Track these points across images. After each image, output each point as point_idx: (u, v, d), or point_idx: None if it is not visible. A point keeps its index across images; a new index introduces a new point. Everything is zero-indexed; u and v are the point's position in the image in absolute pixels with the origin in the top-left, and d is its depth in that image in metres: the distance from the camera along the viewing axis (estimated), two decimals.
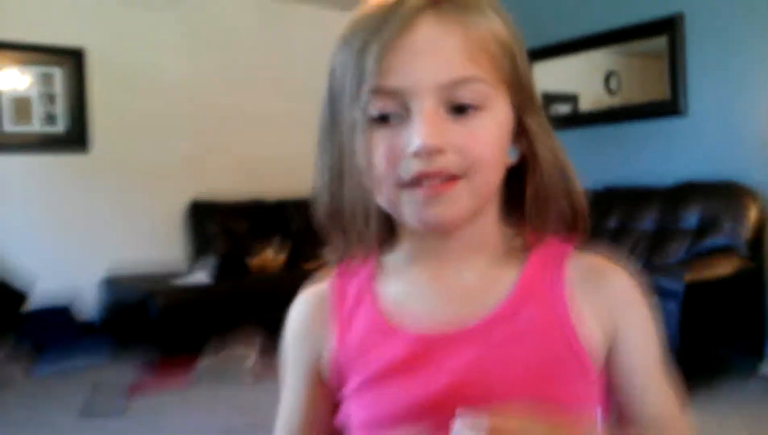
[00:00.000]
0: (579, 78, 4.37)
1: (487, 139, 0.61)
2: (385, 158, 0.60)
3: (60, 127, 4.22)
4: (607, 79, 4.17)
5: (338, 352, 0.68)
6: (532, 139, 0.66)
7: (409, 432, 0.64)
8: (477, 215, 0.64)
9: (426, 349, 0.64)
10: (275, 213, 4.84)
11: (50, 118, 4.19)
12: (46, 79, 4.17)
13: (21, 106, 4.10)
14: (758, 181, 3.37)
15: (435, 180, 0.59)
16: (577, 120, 4.23)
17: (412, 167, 0.59)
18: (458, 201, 0.61)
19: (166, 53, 4.61)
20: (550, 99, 4.44)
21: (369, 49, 0.59)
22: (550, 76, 4.35)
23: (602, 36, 4.06)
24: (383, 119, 0.61)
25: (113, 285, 4.10)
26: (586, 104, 4.30)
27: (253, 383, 3.41)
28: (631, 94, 4.07)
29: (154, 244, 4.53)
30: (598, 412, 0.68)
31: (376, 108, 0.60)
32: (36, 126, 4.15)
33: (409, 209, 0.62)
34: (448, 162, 0.59)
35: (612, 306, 0.67)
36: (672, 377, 0.71)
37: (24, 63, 4.10)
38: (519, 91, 0.64)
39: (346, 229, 0.67)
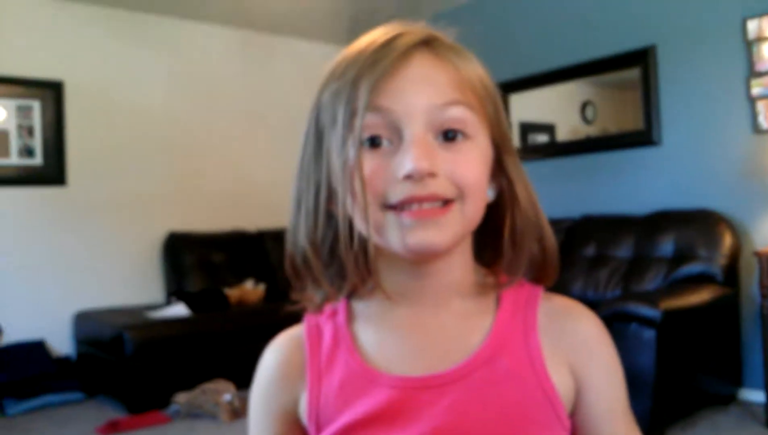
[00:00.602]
0: (556, 108, 4.42)
1: (475, 166, 0.63)
2: (374, 181, 0.61)
3: (38, 160, 4.19)
4: (584, 109, 4.22)
5: (317, 398, 0.67)
6: (511, 178, 0.68)
7: None
8: (456, 251, 0.65)
9: (407, 395, 0.63)
10: (254, 244, 4.81)
11: (28, 151, 4.16)
12: (25, 111, 4.15)
13: None
14: (731, 209, 3.41)
15: (426, 204, 0.60)
16: (554, 149, 4.27)
17: (403, 191, 0.60)
18: (449, 226, 0.61)
19: (146, 85, 4.61)
20: (528, 129, 4.49)
21: (363, 79, 0.60)
22: (529, 107, 4.41)
23: (578, 67, 4.11)
24: (374, 144, 0.61)
25: (88, 319, 4.03)
26: (563, 134, 4.34)
27: (231, 420, 3.35)
28: (607, 123, 4.12)
29: (131, 278, 4.48)
30: None
31: (367, 129, 0.61)
32: (14, 159, 4.12)
33: (394, 233, 0.61)
34: (440, 186, 0.60)
35: (577, 350, 0.67)
36: (635, 423, 0.70)
37: (2, 95, 4.08)
38: (499, 131, 0.67)
39: (326, 261, 0.67)
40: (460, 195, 0.61)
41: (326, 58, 0.65)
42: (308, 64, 5.12)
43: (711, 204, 3.46)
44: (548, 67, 4.26)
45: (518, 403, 0.63)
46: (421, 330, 0.67)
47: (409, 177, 0.59)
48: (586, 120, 4.20)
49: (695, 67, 3.60)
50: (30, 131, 4.16)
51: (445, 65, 0.62)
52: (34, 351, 3.90)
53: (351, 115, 0.60)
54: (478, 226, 0.67)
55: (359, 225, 0.62)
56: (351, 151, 0.61)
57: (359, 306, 0.70)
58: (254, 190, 4.99)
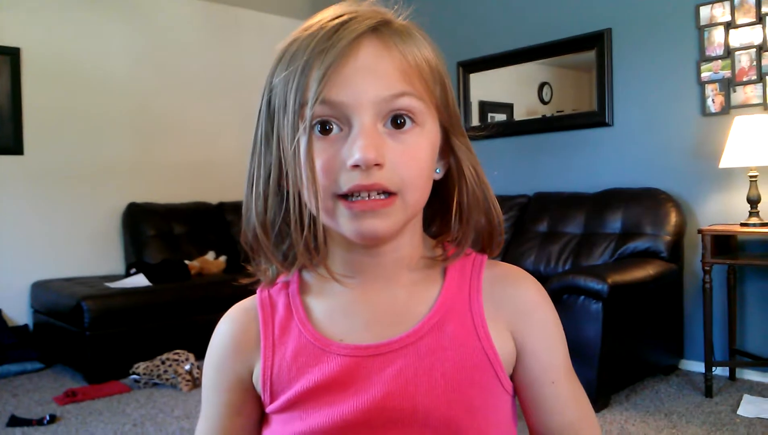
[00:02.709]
0: (514, 88, 4.51)
1: (421, 156, 0.65)
2: (325, 170, 0.63)
3: None
4: (541, 89, 4.31)
5: (271, 367, 0.69)
6: (458, 158, 0.70)
7: None
8: (405, 229, 0.68)
9: (358, 363, 0.67)
10: (215, 216, 4.82)
11: None
12: None
13: None
14: (678, 188, 3.55)
15: (372, 193, 0.62)
16: (512, 128, 4.36)
17: (351, 179, 0.62)
18: (392, 215, 0.64)
19: (106, 54, 4.54)
20: (487, 107, 4.57)
21: (312, 68, 0.62)
22: (488, 87, 4.49)
23: (536, 49, 4.20)
24: (324, 130, 0.63)
25: (46, 289, 4.01)
26: (520, 113, 4.44)
27: (190, 389, 3.39)
28: (563, 104, 4.22)
29: (90, 248, 4.46)
30: (512, 423, 0.72)
31: (317, 116, 0.62)
32: None
33: (344, 220, 0.64)
34: (384, 177, 0.62)
35: (518, 314, 0.71)
36: (578, 383, 0.74)
37: None
38: (447, 114, 0.69)
39: (277, 240, 0.70)
40: (402, 188, 0.64)
41: (289, 31, 0.67)
42: (271, 38, 5.02)
43: (659, 183, 3.60)
44: (507, 48, 4.33)
45: (463, 368, 0.66)
46: (371, 301, 0.70)
47: (356, 166, 0.61)
48: (542, 100, 4.30)
49: (648, 51, 3.71)
50: None
51: (392, 54, 0.63)
52: None
53: (301, 105, 0.62)
54: (428, 201, 0.70)
55: (310, 208, 0.65)
56: (302, 141, 0.63)
57: (311, 278, 0.73)
58: (215, 163, 4.97)
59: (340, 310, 0.70)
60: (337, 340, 0.68)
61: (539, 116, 4.27)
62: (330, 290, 0.71)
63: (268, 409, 0.70)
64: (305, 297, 0.72)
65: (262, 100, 0.68)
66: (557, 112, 4.20)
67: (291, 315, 0.71)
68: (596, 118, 3.92)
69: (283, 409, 0.69)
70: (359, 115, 0.62)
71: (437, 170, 0.71)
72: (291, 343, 0.70)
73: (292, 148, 0.63)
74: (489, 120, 4.57)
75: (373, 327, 0.69)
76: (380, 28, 0.64)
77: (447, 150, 0.71)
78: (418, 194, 0.66)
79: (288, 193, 0.66)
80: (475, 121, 4.56)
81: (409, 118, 0.64)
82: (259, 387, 0.71)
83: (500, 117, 4.54)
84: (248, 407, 0.73)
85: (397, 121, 0.64)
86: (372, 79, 0.62)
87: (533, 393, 0.71)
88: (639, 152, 3.76)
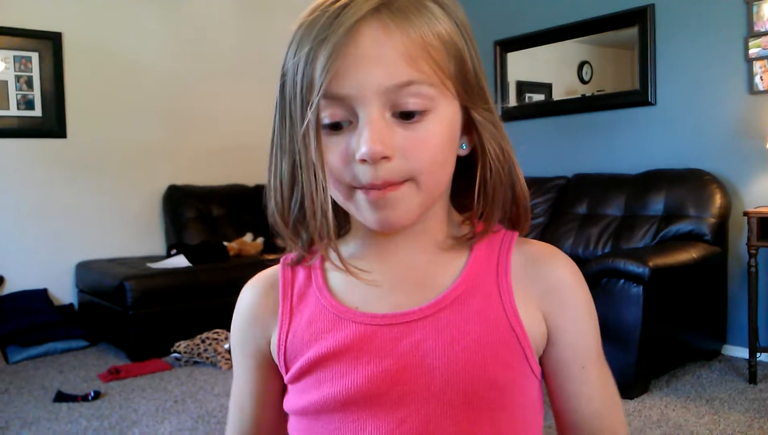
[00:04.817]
0: (553, 68, 4.43)
1: (434, 143, 0.62)
2: (340, 162, 0.62)
3: (37, 112, 4.21)
4: (580, 68, 4.23)
5: (286, 334, 0.69)
6: (480, 133, 0.67)
7: (347, 417, 0.65)
8: (427, 209, 0.66)
9: (373, 331, 0.65)
10: (252, 198, 4.87)
11: (27, 104, 4.17)
12: (24, 62, 4.16)
13: None
14: (723, 169, 3.46)
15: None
16: (550, 108, 4.29)
17: (361, 173, 0.61)
18: (405, 202, 0.62)
19: (144, 39, 4.60)
20: (525, 87, 4.50)
21: (316, 56, 0.59)
22: (526, 66, 4.42)
23: (575, 26, 4.11)
24: (334, 127, 0.61)
25: (90, 269, 4.11)
26: (559, 93, 4.36)
27: (229, 367, 3.46)
28: (603, 83, 4.14)
29: (131, 230, 4.55)
30: (539, 408, 0.70)
31: (326, 115, 0.61)
32: (13, 110, 4.14)
33: (362, 210, 0.63)
34: (392, 170, 0.60)
35: (550, 295, 0.68)
36: (608, 370, 0.71)
37: (0, 46, 4.08)
38: (466, 87, 0.64)
39: (302, 221, 0.68)
40: (414, 174, 0.61)
41: None
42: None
43: (703, 164, 3.50)
44: (545, 26, 4.25)
45: (486, 344, 0.64)
46: (392, 272, 0.68)
47: (363, 160, 0.59)
48: (582, 79, 4.22)
49: (693, 27, 3.60)
50: (29, 83, 4.17)
51: (393, 37, 0.59)
52: (37, 299, 3.99)
53: (308, 97, 0.60)
54: (456, 176, 0.68)
55: (333, 194, 0.64)
56: (311, 135, 0.61)
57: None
58: (251, 145, 4.96)
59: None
60: (354, 308, 0.67)
61: (579, 96, 4.20)
62: (350, 259, 0.68)
63: (286, 379, 0.70)
64: (326, 265, 0.71)
65: (277, 87, 0.66)
66: (598, 91, 4.12)
67: (310, 282, 0.71)
68: (638, 97, 3.83)
69: (298, 377, 0.68)
70: (364, 107, 0.60)
71: (463, 146, 0.68)
72: (307, 309, 0.69)
73: (303, 145, 0.62)
74: (527, 100, 4.50)
75: (392, 297, 0.67)
76: (381, 9, 0.60)
77: (471, 126, 0.67)
78: (433, 179, 0.63)
79: (302, 182, 0.65)
80: (512, 102, 4.50)
81: (418, 111, 0.61)
82: (275, 356, 0.71)
83: (538, 97, 4.47)
84: (276, 374, 0.73)
85: (407, 114, 0.61)
86: (374, 69, 0.59)
87: (562, 377, 0.69)
88: (682, 132, 3.67)
